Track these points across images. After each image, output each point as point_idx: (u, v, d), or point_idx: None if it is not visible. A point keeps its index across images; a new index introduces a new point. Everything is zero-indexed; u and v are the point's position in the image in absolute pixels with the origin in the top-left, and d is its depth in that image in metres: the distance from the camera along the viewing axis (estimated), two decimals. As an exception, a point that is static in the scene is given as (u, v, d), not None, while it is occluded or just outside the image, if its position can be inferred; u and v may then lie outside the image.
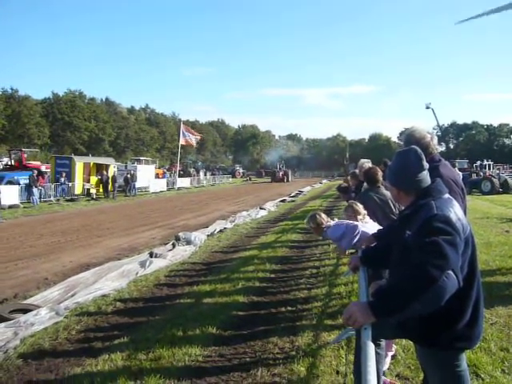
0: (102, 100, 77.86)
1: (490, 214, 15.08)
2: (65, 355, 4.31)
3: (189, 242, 9.98)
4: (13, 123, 58.05)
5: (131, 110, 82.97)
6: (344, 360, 3.86)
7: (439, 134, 75.41)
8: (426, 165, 2.24)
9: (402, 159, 2.28)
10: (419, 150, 2.26)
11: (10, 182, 21.59)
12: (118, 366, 3.98)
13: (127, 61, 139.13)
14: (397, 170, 2.29)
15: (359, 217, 4.04)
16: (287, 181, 55.22)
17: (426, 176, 2.22)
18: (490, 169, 34.15)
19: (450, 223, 1.99)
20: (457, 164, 18.28)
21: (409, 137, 3.03)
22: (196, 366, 3.99)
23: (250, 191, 34.95)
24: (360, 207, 4.14)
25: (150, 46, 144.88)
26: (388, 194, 4.40)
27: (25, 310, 5.29)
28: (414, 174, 2.20)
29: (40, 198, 21.55)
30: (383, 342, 2.98)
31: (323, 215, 4.16)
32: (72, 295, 6.04)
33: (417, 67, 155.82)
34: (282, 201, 23.48)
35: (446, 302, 1.90)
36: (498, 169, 34.85)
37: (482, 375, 3.53)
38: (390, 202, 4.41)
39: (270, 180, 57.12)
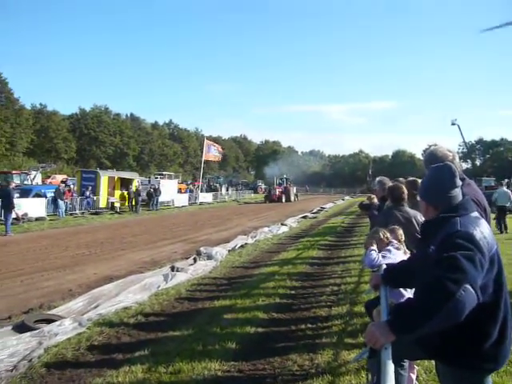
0: (126, 115, 79.66)
1: (517, 234, 14.67)
2: (86, 366, 4.38)
3: (210, 257, 10.04)
4: (41, 138, 59.89)
5: (155, 126, 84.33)
6: (364, 379, 3.80)
7: (465, 150, 74.06)
8: (459, 182, 2.20)
9: (435, 174, 2.25)
10: (454, 167, 2.21)
11: (38, 195, 22.12)
12: (139, 378, 4.01)
13: (151, 77, 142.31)
14: (429, 185, 2.26)
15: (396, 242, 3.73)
16: (287, 200, 40.44)
17: (458, 193, 2.18)
18: (518, 187, 33.33)
19: (471, 241, 1.96)
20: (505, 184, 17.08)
21: (431, 155, 3.02)
22: (215, 380, 3.99)
23: (272, 207, 34.90)
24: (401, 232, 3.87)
25: (175, 63, 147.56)
26: (412, 212, 4.35)
27: (49, 320, 5.40)
28: (446, 190, 2.16)
29: (66, 210, 22.02)
30: (406, 363, 2.93)
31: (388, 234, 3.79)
32: (95, 307, 6.14)
33: (441, 82, 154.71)
34: (304, 217, 23.37)
35: (472, 320, 1.86)
36: (527, 187, 33.94)
37: (508, 400, 3.43)
38: (413, 220, 4.36)
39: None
